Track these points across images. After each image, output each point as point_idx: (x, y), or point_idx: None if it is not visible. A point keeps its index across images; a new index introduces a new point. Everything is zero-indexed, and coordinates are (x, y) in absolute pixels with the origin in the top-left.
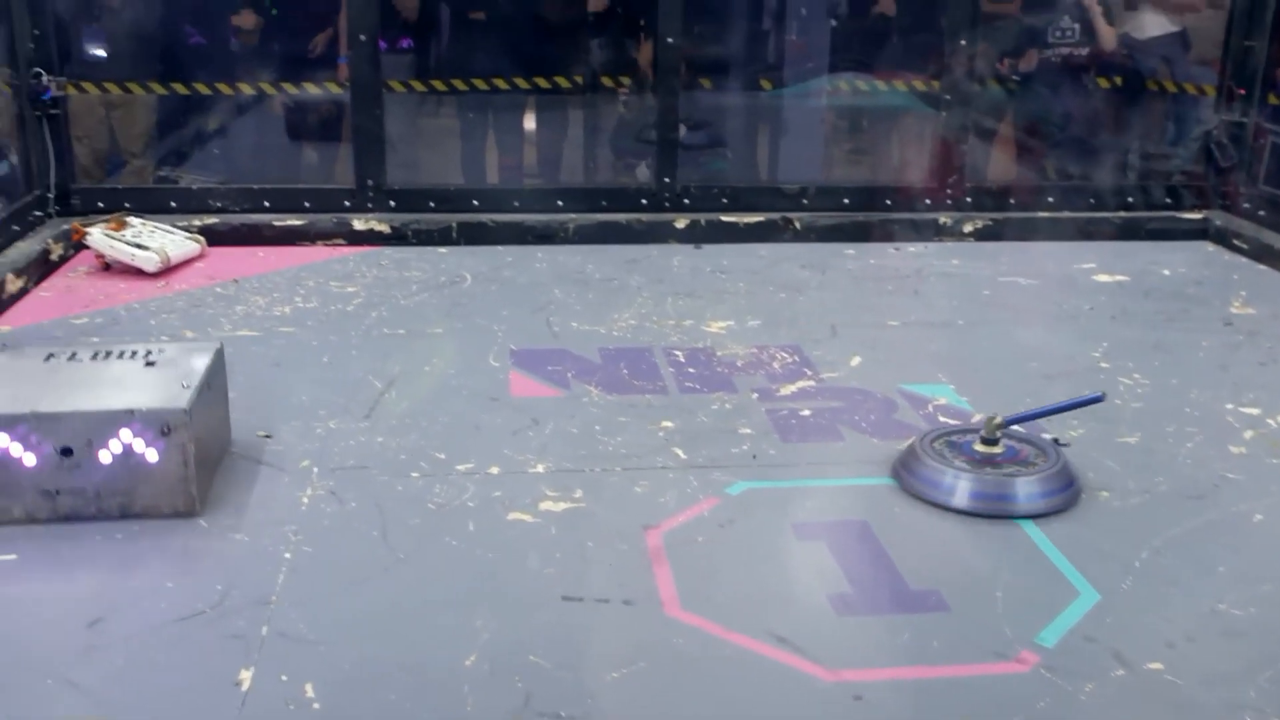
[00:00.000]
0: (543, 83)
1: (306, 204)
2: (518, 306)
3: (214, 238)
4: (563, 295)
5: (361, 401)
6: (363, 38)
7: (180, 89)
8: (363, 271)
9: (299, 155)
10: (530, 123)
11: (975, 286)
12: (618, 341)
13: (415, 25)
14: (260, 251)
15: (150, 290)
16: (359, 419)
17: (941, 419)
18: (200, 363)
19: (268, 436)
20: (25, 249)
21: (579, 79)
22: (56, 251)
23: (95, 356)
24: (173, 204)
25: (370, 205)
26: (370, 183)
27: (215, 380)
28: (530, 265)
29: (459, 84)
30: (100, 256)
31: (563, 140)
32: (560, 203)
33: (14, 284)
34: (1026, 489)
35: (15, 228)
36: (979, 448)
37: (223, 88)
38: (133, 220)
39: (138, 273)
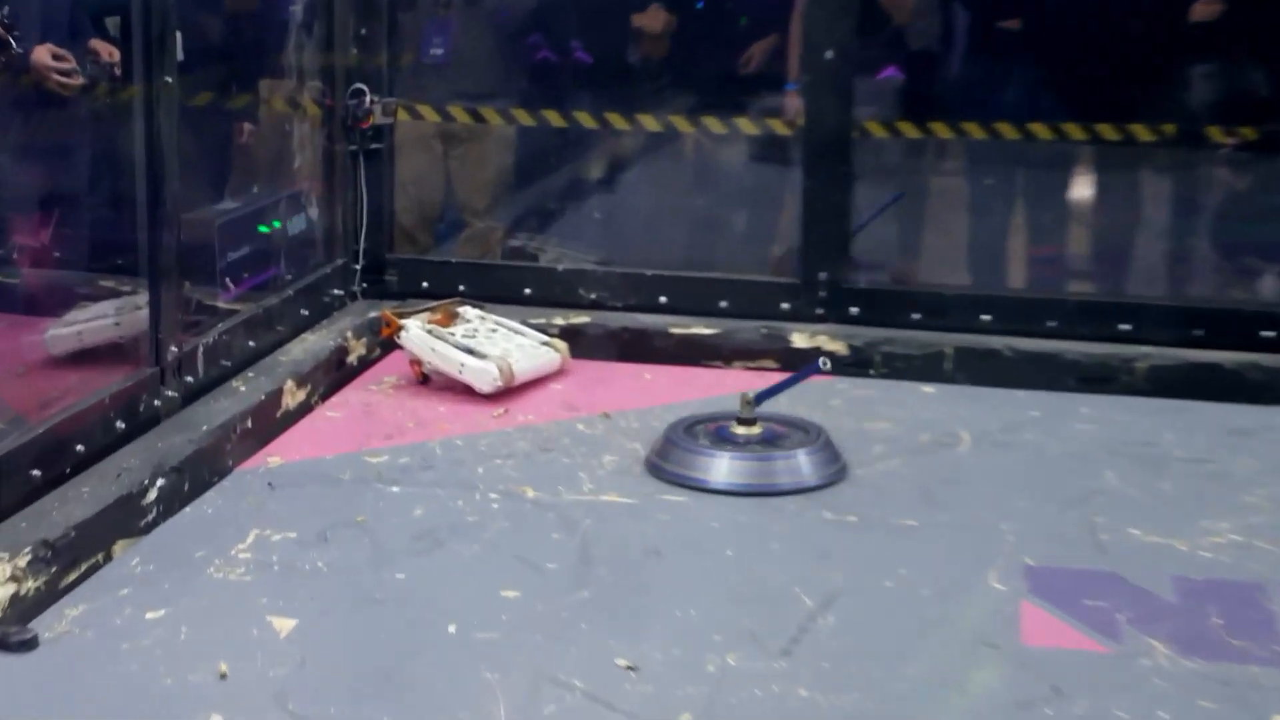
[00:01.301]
0: (1109, 131)
1: (723, 303)
2: (1042, 494)
3: (581, 345)
4: (1119, 481)
5: (780, 626)
6: (828, 55)
7: (553, 119)
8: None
9: (718, 228)
10: (1083, 191)
11: None
12: (1207, 568)
13: (906, 38)
14: (648, 371)
15: (482, 419)
16: (773, 655)
17: None
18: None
19: (631, 668)
20: (314, 345)
21: (1167, 128)
22: (357, 351)
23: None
24: (527, 290)
25: (821, 312)
26: (823, 277)
27: None
28: (1068, 426)
29: (973, 129)
30: (416, 363)
31: (1134, 222)
32: (1126, 325)
33: (294, 396)
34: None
35: (303, 311)
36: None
37: (614, 119)
38: (467, 312)
39: (467, 391)
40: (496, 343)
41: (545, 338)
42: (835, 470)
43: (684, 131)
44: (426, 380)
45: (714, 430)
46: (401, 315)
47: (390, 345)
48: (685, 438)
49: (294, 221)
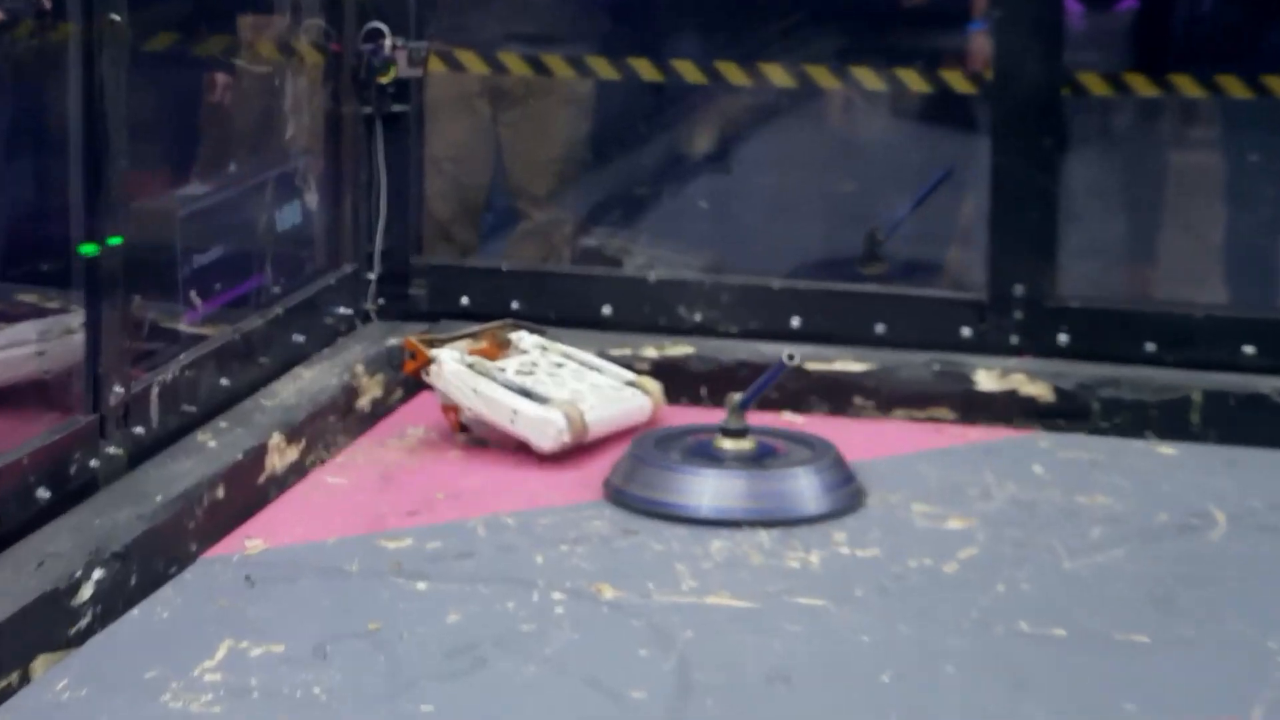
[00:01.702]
0: None
1: (879, 328)
2: None
3: (680, 386)
4: None
5: None
6: None
7: (643, 70)
8: (980, 483)
9: (871, 224)
10: None
11: None
12: None
13: None
14: (774, 421)
15: (542, 488)
16: None
17: None
18: None
19: None
20: (312, 385)
21: None
22: (370, 393)
23: None
24: (605, 309)
25: (1016, 340)
26: (1020, 292)
27: None
28: None
29: (1231, 84)
30: (452, 409)
31: None
32: None
33: (282, 455)
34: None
35: (297, 338)
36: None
37: (728, 71)
38: (523, 340)
39: (522, 449)
40: (564, 382)
41: (630, 375)
42: (845, 494)
43: (825, 88)
44: (466, 432)
45: (694, 445)
46: (432, 344)
47: (417, 385)
48: (657, 454)
49: (285, 213)
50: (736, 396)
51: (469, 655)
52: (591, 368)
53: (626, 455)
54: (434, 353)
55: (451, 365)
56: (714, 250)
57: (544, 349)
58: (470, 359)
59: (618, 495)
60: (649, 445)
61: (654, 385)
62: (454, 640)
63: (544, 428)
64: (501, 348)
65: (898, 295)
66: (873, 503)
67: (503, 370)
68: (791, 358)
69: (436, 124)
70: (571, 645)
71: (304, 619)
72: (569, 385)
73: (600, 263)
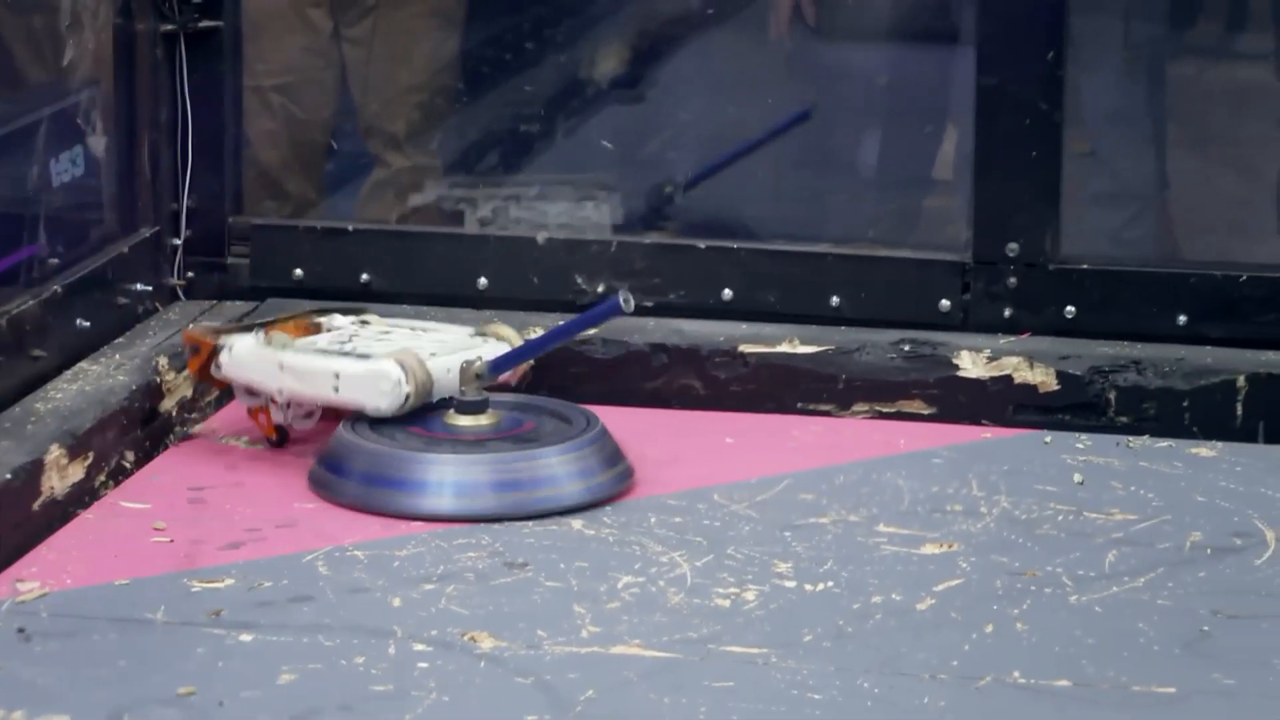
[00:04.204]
0: None
1: (835, 300)
2: None
3: (582, 375)
4: None
5: None
6: None
7: None
8: (965, 496)
9: (823, 165)
10: None
11: None
12: None
13: None
14: (706, 424)
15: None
16: None
17: None
18: None
19: None
20: (101, 384)
21: None
22: (178, 393)
23: None
24: (482, 281)
25: (1009, 313)
26: (1013, 250)
27: None
28: None
29: None
30: (261, 410)
31: None
32: None
33: (63, 474)
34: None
35: (82, 322)
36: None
37: None
38: (334, 320)
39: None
40: (394, 342)
41: (476, 329)
42: (612, 478)
43: None
44: (284, 441)
45: (421, 422)
46: (219, 332)
47: (215, 388)
48: (375, 435)
49: (62, 162)
50: (481, 360)
51: None
52: (428, 331)
53: (334, 437)
54: (222, 340)
55: (245, 345)
56: (622, 202)
57: (365, 324)
58: (272, 336)
59: (321, 484)
60: (364, 424)
61: (508, 330)
62: (289, 706)
63: (378, 383)
64: (309, 332)
65: (859, 257)
66: (826, 522)
67: (313, 344)
68: (628, 301)
69: (260, 43)
70: (438, 709)
71: (96, 682)
72: (400, 344)
73: (474, 223)
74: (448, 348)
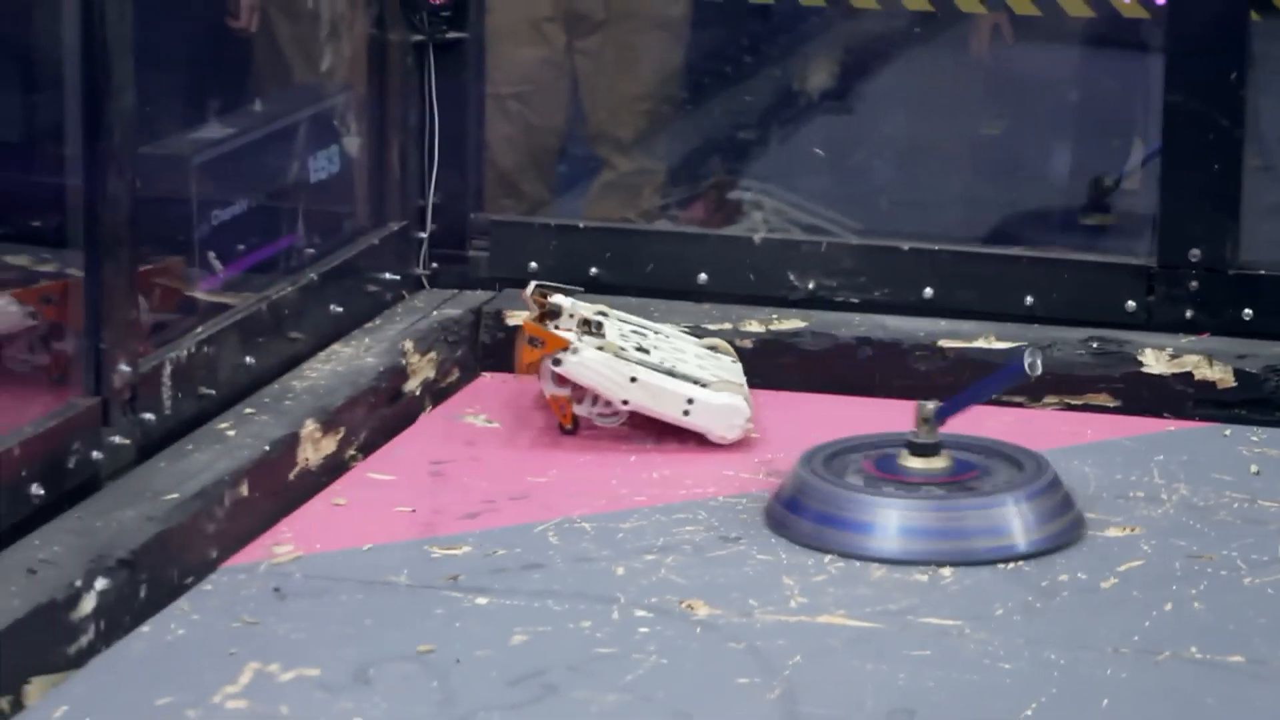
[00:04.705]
0: None
1: (1028, 300)
2: None
3: (789, 365)
4: None
5: None
6: None
7: None
8: (1147, 484)
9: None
10: None
11: None
12: None
13: None
14: (900, 409)
15: (630, 487)
16: None
17: None
18: None
19: None
20: (352, 365)
21: None
22: (422, 374)
23: None
24: (701, 276)
25: (1191, 315)
26: (1196, 256)
27: None
28: None
29: None
30: (563, 400)
31: None
32: None
33: (317, 447)
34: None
35: (335, 308)
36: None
37: None
38: (562, 303)
39: (604, 441)
40: (682, 356)
41: (705, 341)
42: (1064, 527)
43: (966, 11)
44: (575, 430)
45: (873, 463)
46: (548, 317)
47: (475, 365)
48: (827, 474)
49: (320, 160)
50: (930, 405)
51: (536, 682)
52: (656, 332)
53: (792, 474)
54: (569, 337)
55: (592, 353)
56: (832, 206)
57: (605, 316)
58: (597, 341)
59: (777, 523)
60: (819, 462)
61: (727, 346)
62: (519, 665)
63: (730, 417)
64: (549, 317)
65: (1050, 260)
66: None
67: (622, 350)
68: (1034, 360)
69: (500, 54)
70: (657, 672)
71: (343, 639)
72: (685, 358)
73: (696, 222)
74: (726, 369)
